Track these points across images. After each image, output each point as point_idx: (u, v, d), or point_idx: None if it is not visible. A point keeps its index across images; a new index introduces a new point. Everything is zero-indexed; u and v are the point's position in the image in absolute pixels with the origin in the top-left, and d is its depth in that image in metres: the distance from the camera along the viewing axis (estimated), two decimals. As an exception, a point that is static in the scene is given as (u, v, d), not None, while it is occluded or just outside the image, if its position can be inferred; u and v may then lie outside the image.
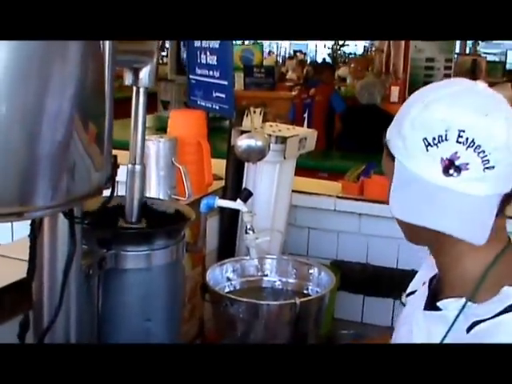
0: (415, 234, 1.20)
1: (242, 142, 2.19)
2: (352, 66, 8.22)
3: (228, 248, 2.52)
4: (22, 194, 0.91)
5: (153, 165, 2.14)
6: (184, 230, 1.41)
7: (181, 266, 1.44)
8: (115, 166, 1.08)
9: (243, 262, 2.29)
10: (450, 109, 1.07)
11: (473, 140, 1.05)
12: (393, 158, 1.15)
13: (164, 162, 2.16)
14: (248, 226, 2.14)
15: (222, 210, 2.43)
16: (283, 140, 2.38)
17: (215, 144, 2.62)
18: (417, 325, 1.25)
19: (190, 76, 2.55)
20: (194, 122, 2.32)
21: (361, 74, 7.38)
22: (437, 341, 1.15)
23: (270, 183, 2.45)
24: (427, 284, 1.28)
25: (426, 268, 1.32)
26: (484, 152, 1.06)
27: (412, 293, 1.39)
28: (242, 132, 2.30)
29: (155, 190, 2.16)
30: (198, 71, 2.49)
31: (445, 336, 1.14)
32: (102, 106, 1.00)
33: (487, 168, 1.06)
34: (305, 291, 2.26)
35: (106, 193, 1.08)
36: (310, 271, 2.27)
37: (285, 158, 2.39)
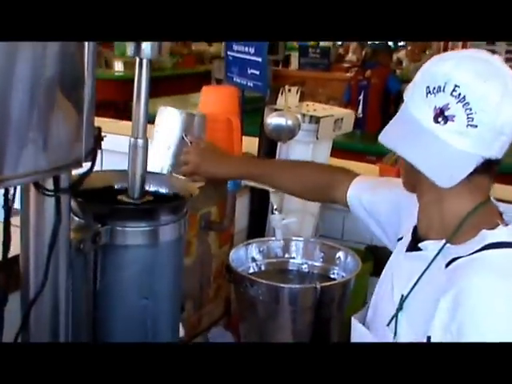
0: (406, 175, 1.32)
1: (272, 120, 2.12)
2: (409, 48, 7.98)
3: (258, 228, 2.45)
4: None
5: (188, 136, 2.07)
6: (184, 207, 1.34)
7: (181, 245, 1.37)
8: (99, 139, 1.02)
9: (269, 242, 2.21)
10: (456, 67, 1.17)
11: (464, 96, 1.14)
12: None
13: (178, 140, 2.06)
14: (274, 206, 2.07)
15: (252, 188, 2.35)
16: (317, 120, 2.30)
17: (251, 123, 2.56)
18: (398, 266, 1.37)
19: (228, 52, 2.48)
20: (225, 98, 2.24)
21: (417, 56, 7.17)
22: (415, 277, 1.25)
23: None
24: (411, 230, 1.36)
25: (411, 217, 1.38)
26: (471, 110, 1.14)
27: (400, 239, 1.45)
28: (275, 110, 2.22)
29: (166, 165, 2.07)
30: (235, 47, 2.42)
31: (423, 273, 1.24)
32: (82, 73, 0.93)
33: (470, 125, 1.15)
34: (331, 275, 2.18)
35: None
36: (337, 255, 2.18)
37: (318, 138, 2.31)
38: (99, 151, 1.02)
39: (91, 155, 1.00)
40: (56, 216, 1.06)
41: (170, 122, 2.02)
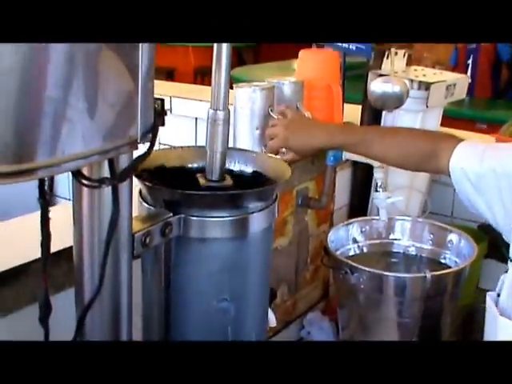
0: None
1: (377, 87, 1.86)
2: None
3: (360, 205, 2.22)
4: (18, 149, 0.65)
5: (273, 110, 1.83)
6: (275, 192, 1.10)
7: (270, 236, 1.14)
8: (161, 113, 0.79)
9: (372, 222, 1.99)
10: None
11: None
12: None
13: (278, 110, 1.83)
14: (379, 183, 1.83)
15: (355, 162, 2.12)
16: (427, 86, 2.02)
17: (353, 90, 2.29)
18: None
19: (328, 13, 2.19)
20: (324, 63, 1.99)
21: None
22: None
23: None
24: None
25: None
26: None
27: None
28: (380, 76, 1.95)
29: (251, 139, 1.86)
30: (336, 7, 2.13)
31: None
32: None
33: None
34: (441, 260, 1.93)
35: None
36: (449, 238, 1.91)
37: (427, 106, 2.04)
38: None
39: (151, 133, 0.77)
40: (113, 207, 0.84)
41: (252, 99, 1.76)
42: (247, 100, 1.72)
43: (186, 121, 2.45)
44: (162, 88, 2.61)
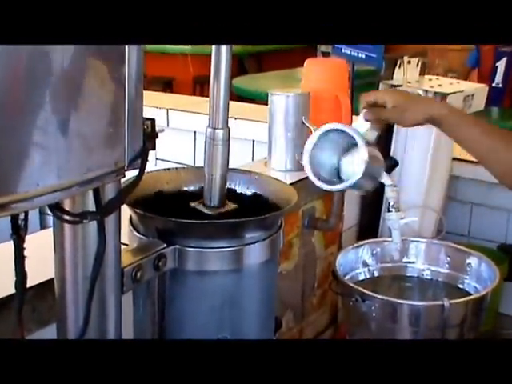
0: None
1: None
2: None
3: (371, 226, 2.16)
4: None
5: (278, 124, 1.83)
6: (280, 219, 1.05)
7: (275, 265, 1.09)
8: (152, 136, 0.73)
9: (384, 244, 1.92)
10: None
11: None
12: None
13: (292, 121, 1.83)
14: (391, 203, 1.74)
15: None
16: (442, 97, 1.99)
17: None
18: None
19: (336, 20, 2.14)
20: (331, 72, 1.94)
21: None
22: None
23: (425, 149, 2.06)
24: None
25: None
26: None
27: None
28: (392, 87, 1.92)
29: (281, 153, 1.86)
30: (344, 13, 2.08)
31: None
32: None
33: None
34: (460, 285, 1.86)
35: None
36: (468, 261, 1.85)
37: None
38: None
39: (140, 159, 0.71)
40: (99, 241, 0.78)
41: (279, 105, 1.80)
42: (281, 107, 1.79)
43: (184, 135, 2.41)
44: (158, 100, 2.56)
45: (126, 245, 0.99)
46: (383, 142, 2.08)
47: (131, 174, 0.78)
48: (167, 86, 6.28)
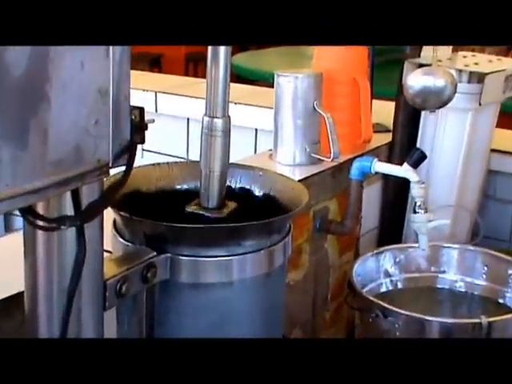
0: None
1: (415, 81, 1.84)
2: None
3: (393, 229, 2.22)
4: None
5: (286, 110, 1.86)
6: (288, 222, 1.07)
7: (283, 275, 1.13)
8: (141, 128, 0.74)
9: (409, 251, 1.96)
10: None
11: None
12: None
13: (302, 107, 1.86)
14: (417, 203, 1.79)
15: (386, 176, 2.10)
16: (480, 77, 2.01)
17: (384, 82, 2.27)
18: None
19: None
20: (348, 51, 1.97)
21: None
22: None
23: (458, 140, 2.09)
24: None
25: None
26: None
27: None
28: (419, 66, 1.96)
29: (289, 145, 1.89)
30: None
31: None
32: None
33: None
34: (499, 300, 1.90)
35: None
36: (510, 271, 1.88)
37: (481, 103, 2.03)
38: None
39: (127, 154, 0.73)
40: (78, 249, 0.80)
41: (287, 88, 1.84)
42: (289, 90, 1.82)
43: (176, 122, 2.43)
44: (144, 81, 2.59)
45: (110, 252, 1.01)
46: (408, 129, 2.12)
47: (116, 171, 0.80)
48: (155, 63, 6.32)
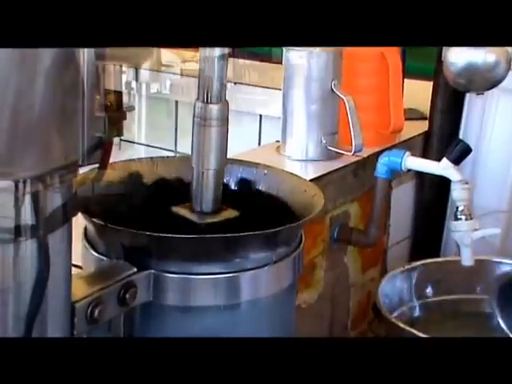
0: None
1: (458, 57, 1.86)
2: None
3: (429, 240, 2.26)
4: None
5: (297, 93, 1.90)
6: (299, 232, 1.11)
7: (289, 303, 1.16)
8: (118, 118, 0.76)
9: (450, 266, 1.98)
10: None
11: None
12: None
13: (317, 89, 1.89)
14: (460, 207, 1.82)
15: (420, 174, 2.16)
16: None
17: (418, 58, 2.29)
18: None
19: None
20: (375, 19, 1.97)
21: None
22: None
23: (510, 130, 2.13)
24: None
25: None
26: None
27: None
28: None
29: (301, 135, 1.92)
30: None
31: None
32: None
33: None
34: None
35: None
36: None
37: None
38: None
39: (101, 150, 0.74)
40: (39, 264, 0.81)
41: (299, 66, 1.88)
42: (302, 69, 1.86)
43: (161, 105, 2.44)
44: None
45: (80, 268, 1.03)
46: (449, 116, 2.14)
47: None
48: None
